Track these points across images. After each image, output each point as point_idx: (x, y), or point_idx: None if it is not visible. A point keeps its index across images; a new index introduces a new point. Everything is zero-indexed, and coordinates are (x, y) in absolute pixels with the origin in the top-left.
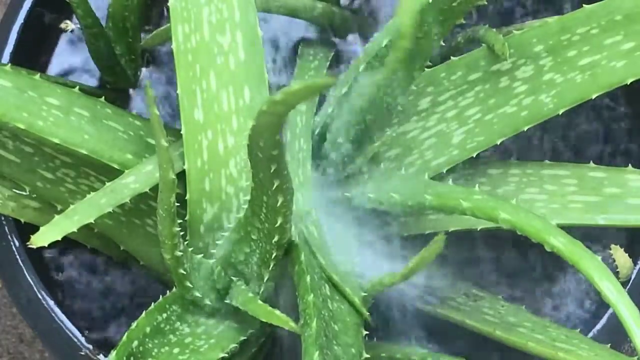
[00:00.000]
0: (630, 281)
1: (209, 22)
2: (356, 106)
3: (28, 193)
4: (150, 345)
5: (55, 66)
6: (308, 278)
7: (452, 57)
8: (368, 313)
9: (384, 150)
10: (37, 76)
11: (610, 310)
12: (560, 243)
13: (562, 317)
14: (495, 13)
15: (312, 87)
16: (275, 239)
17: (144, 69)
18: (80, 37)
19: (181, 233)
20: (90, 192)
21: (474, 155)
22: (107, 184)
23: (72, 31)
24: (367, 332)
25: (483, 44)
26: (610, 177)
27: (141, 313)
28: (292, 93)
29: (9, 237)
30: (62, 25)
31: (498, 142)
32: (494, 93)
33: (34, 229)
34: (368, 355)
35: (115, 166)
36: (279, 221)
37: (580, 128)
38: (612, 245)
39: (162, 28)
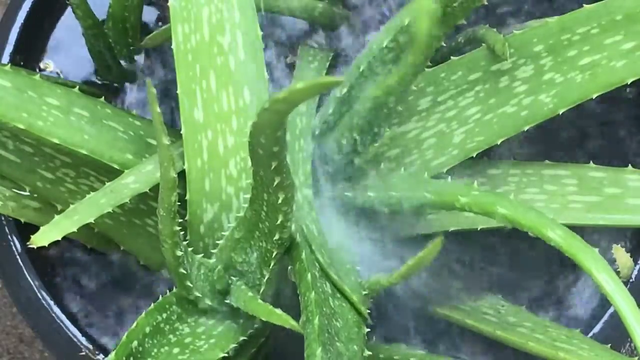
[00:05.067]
0: (631, 281)
1: (209, 22)
2: (358, 107)
3: (28, 193)
4: (150, 345)
5: (55, 66)
6: (309, 276)
7: (452, 57)
8: (368, 311)
9: (384, 150)
10: (37, 76)
11: (610, 310)
12: (558, 236)
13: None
14: (496, 13)
15: (316, 86)
16: (276, 237)
17: (143, 69)
18: (80, 36)
19: (181, 233)
20: (90, 192)
21: (474, 155)
22: (107, 184)
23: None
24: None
25: (483, 44)
26: (610, 177)
27: (141, 313)
28: (295, 91)
29: (9, 237)
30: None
31: (498, 142)
32: (494, 93)
33: (34, 229)
34: (370, 353)
35: (115, 166)
36: (280, 219)
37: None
38: (614, 245)
39: (162, 28)
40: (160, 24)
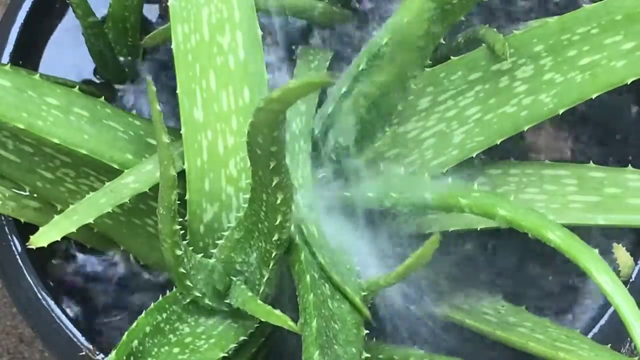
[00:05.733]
0: (631, 280)
1: (209, 22)
2: (357, 106)
3: (28, 193)
4: (150, 344)
5: (54, 65)
6: (308, 277)
7: (452, 57)
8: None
9: (384, 150)
10: (37, 76)
11: (610, 310)
12: (558, 237)
13: None
14: (496, 13)
15: (310, 85)
16: (275, 237)
17: (143, 68)
18: (80, 36)
19: (181, 233)
20: (90, 192)
21: (474, 155)
22: (107, 183)
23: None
24: (367, 332)
25: (483, 44)
26: (610, 177)
27: (141, 312)
28: (289, 90)
29: (9, 237)
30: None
31: (498, 142)
32: (494, 93)
33: (34, 229)
34: (368, 355)
35: (115, 166)
36: (279, 219)
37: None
38: (614, 244)
39: (162, 28)
40: (160, 20)
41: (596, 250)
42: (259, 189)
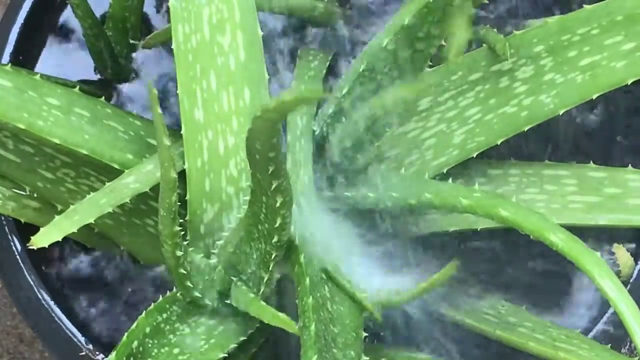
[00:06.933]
0: (631, 280)
1: (210, 22)
2: (358, 107)
3: (28, 193)
4: (150, 345)
5: (54, 65)
6: (307, 280)
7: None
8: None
9: (384, 150)
10: (37, 76)
11: (610, 310)
12: (559, 240)
13: None
14: (496, 13)
15: (303, 99)
16: (275, 239)
17: (143, 68)
18: (80, 36)
19: (182, 233)
20: (90, 192)
21: (474, 155)
22: (107, 184)
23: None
24: (367, 334)
25: (483, 44)
26: (610, 177)
27: (141, 313)
28: (284, 102)
29: (9, 237)
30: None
31: (498, 142)
32: (494, 93)
33: (34, 229)
34: (367, 358)
35: (116, 166)
36: (279, 221)
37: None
38: (615, 244)
39: (163, 28)
40: (161, 19)
41: (598, 254)
42: (259, 191)
